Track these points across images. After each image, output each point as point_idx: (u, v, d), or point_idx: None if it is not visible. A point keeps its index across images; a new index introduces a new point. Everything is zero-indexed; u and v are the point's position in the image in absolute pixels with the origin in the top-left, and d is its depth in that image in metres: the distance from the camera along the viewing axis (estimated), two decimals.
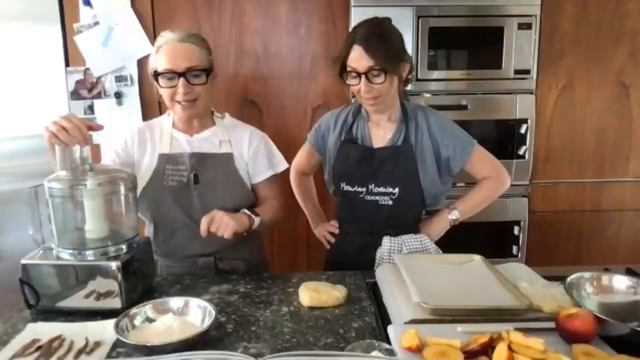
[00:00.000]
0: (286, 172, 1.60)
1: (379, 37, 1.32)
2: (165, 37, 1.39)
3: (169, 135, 1.47)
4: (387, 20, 1.40)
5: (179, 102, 1.37)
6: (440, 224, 1.49)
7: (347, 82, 1.38)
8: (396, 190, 1.41)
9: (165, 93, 1.39)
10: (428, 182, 1.43)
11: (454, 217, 1.47)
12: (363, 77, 1.31)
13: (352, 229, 1.52)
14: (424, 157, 1.42)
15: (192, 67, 1.35)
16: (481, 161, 1.47)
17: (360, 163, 1.44)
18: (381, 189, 1.42)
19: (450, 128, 1.45)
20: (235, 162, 1.47)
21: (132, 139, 1.47)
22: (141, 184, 1.42)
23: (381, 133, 1.46)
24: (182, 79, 1.34)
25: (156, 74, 1.37)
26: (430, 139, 1.42)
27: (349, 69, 1.34)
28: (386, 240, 1.43)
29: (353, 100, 2.14)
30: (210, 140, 1.48)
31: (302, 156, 1.68)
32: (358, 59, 1.31)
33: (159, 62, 1.37)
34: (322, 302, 1.15)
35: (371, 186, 1.43)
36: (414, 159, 1.41)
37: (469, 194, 1.50)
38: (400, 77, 1.37)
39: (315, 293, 1.16)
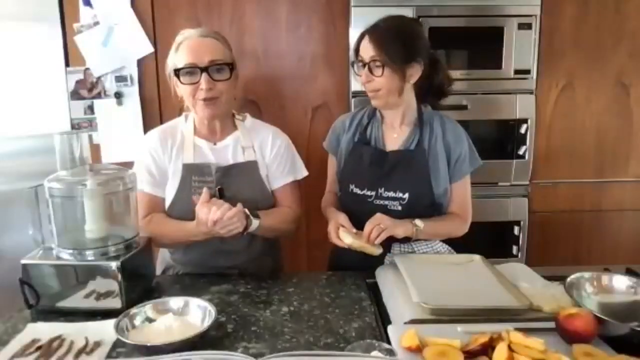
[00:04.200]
0: (305, 184, 1.55)
1: (388, 31, 1.32)
2: (186, 34, 1.36)
3: (191, 142, 1.41)
4: (408, 19, 1.41)
5: (201, 100, 1.33)
6: (406, 224, 1.32)
7: (356, 71, 1.38)
8: (406, 195, 1.37)
9: (186, 91, 1.34)
10: (441, 189, 1.39)
11: (417, 224, 1.32)
12: (366, 67, 1.33)
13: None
14: (437, 163, 1.39)
15: (215, 60, 1.31)
16: (461, 192, 1.43)
17: (372, 166, 1.41)
18: (391, 194, 1.39)
19: (463, 140, 1.41)
20: (259, 170, 1.43)
21: (156, 152, 1.40)
22: (169, 193, 1.39)
23: (395, 136, 1.44)
24: (204, 74, 1.30)
25: (177, 71, 1.33)
26: (444, 143, 1.40)
27: (358, 57, 1.36)
28: (396, 247, 1.41)
29: (353, 101, 2.14)
30: (233, 148, 1.43)
31: (330, 174, 1.58)
32: (364, 48, 1.33)
33: (179, 58, 1.33)
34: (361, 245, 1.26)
35: (381, 190, 1.39)
36: (426, 164, 1.38)
37: (434, 218, 1.40)
38: (404, 77, 1.33)
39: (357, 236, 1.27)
